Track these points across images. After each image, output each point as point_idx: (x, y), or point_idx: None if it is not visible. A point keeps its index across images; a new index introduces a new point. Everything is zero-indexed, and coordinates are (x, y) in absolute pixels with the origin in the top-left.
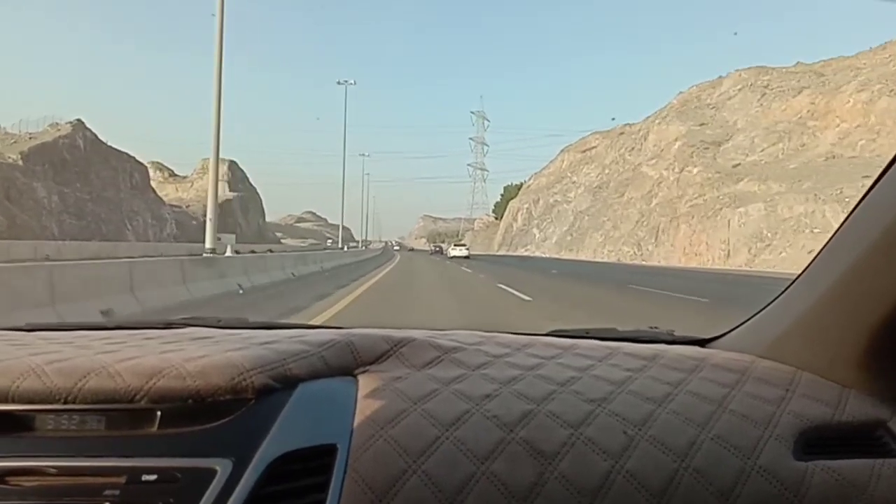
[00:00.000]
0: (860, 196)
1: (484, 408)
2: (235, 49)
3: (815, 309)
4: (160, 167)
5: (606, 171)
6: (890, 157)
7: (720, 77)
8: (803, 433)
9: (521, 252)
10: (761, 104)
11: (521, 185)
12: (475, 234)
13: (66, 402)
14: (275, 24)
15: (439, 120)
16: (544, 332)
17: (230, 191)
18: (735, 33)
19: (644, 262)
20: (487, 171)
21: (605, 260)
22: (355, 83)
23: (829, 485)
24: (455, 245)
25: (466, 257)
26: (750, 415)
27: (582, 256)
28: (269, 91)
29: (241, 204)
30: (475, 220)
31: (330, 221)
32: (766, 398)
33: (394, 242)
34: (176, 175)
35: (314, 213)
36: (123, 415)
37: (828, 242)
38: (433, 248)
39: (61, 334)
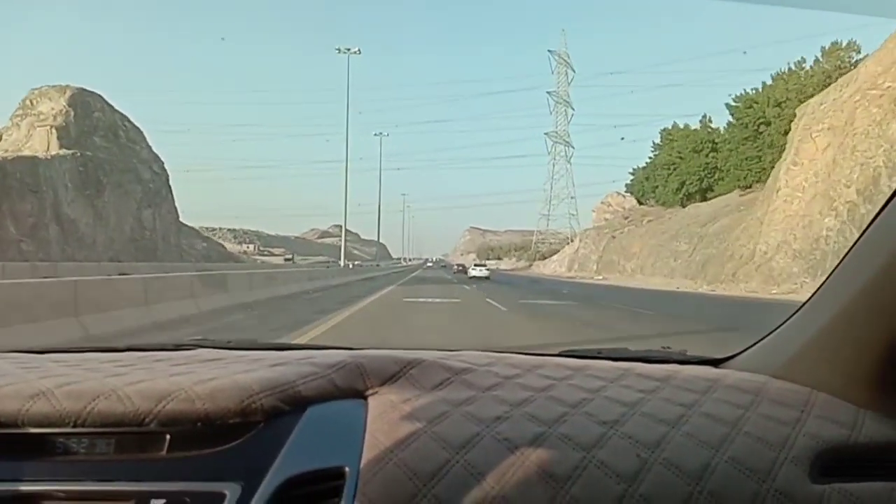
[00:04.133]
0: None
1: (495, 430)
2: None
3: (830, 328)
4: None
5: None
6: None
7: None
8: (819, 455)
9: None
10: None
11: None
12: (592, 238)
13: (75, 426)
14: None
15: (495, 72)
16: (555, 353)
17: (61, 146)
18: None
19: None
20: (573, 146)
21: None
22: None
23: None
24: (475, 265)
25: (487, 278)
26: (765, 436)
27: None
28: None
29: (83, 176)
30: (570, 225)
31: (362, 237)
32: (781, 419)
33: (434, 260)
34: None
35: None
36: (132, 438)
37: (841, 261)
38: (456, 267)
39: (72, 356)
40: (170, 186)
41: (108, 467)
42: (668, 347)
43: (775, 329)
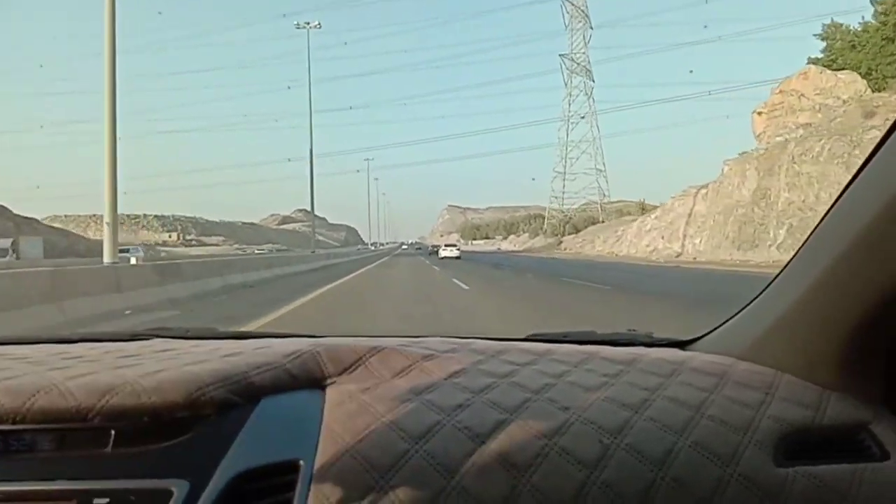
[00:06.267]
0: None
1: (455, 419)
2: None
3: (795, 309)
4: None
5: None
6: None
7: None
8: (784, 438)
9: None
10: None
11: None
12: (826, 145)
13: (14, 423)
14: None
15: None
16: (522, 337)
17: None
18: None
19: None
20: (593, 81)
21: None
22: None
23: (810, 491)
24: (446, 245)
25: (458, 258)
26: (729, 420)
27: None
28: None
29: None
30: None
31: (330, 221)
32: (745, 402)
33: (409, 243)
34: None
35: (307, 212)
36: (75, 434)
37: (806, 241)
38: (431, 248)
39: (18, 349)
40: None
41: (50, 465)
42: (635, 330)
43: (742, 309)
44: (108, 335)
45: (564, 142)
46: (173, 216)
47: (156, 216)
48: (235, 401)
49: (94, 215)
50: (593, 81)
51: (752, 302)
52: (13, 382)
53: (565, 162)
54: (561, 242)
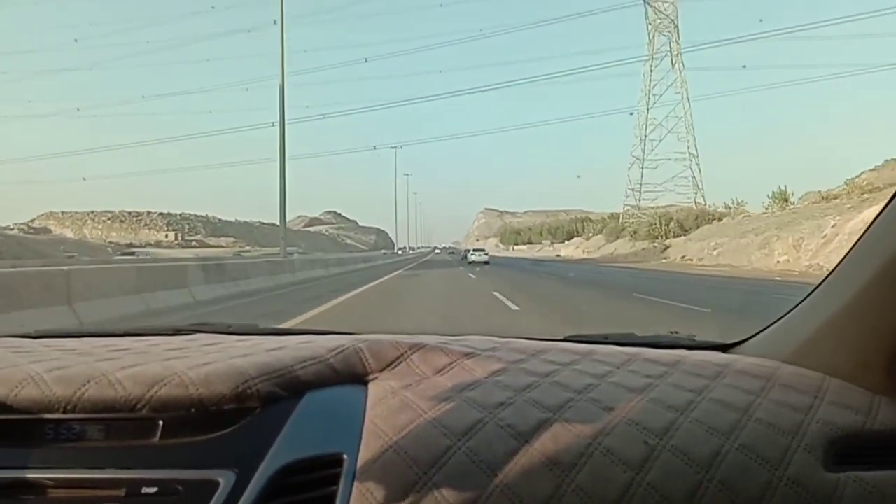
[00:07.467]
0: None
1: (498, 416)
2: None
3: (843, 312)
4: None
5: None
6: None
7: None
8: (833, 442)
9: None
10: None
11: None
12: None
13: (65, 412)
14: None
15: None
16: (561, 338)
17: None
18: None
19: None
20: (679, 44)
21: None
22: None
23: (861, 497)
24: (474, 250)
25: (486, 263)
26: (777, 423)
27: None
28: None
29: None
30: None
31: (360, 223)
32: (793, 405)
33: (441, 247)
34: None
35: (337, 213)
36: (124, 424)
37: (856, 243)
38: (463, 252)
39: (66, 341)
40: None
41: (99, 454)
42: (676, 332)
43: (786, 313)
44: (152, 329)
45: (644, 117)
46: (181, 214)
47: (161, 214)
48: (280, 394)
49: (92, 212)
50: (678, 43)
51: (796, 306)
52: (64, 372)
53: (644, 145)
54: (667, 248)
